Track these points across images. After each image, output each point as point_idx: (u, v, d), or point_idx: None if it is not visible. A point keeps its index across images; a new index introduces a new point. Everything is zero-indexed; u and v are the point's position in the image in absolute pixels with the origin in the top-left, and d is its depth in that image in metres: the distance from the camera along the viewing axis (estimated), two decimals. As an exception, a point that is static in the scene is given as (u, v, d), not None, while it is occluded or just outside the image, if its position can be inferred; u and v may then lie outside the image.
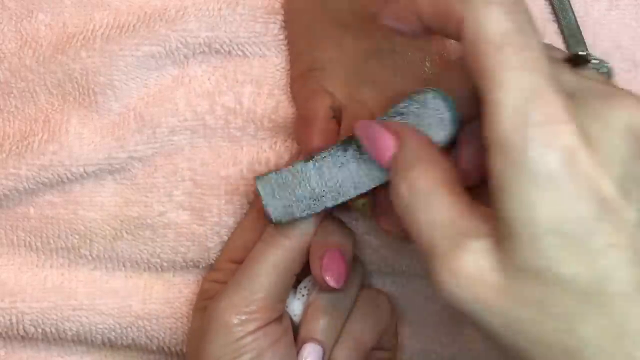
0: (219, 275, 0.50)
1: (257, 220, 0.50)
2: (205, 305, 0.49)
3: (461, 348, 0.52)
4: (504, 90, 0.35)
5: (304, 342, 0.48)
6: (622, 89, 0.38)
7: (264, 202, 0.46)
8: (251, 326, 0.46)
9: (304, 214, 0.46)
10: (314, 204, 0.46)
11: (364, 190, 0.45)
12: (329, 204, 0.46)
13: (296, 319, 0.49)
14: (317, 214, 0.47)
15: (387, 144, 0.41)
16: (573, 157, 0.34)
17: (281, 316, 0.48)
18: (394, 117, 0.44)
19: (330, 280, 0.47)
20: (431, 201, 0.38)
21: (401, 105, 0.44)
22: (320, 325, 0.48)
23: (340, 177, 0.45)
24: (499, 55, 0.35)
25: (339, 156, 0.45)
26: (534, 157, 0.34)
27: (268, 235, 0.48)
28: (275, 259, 0.47)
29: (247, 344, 0.46)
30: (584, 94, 0.36)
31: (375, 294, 0.51)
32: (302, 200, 0.46)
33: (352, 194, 0.45)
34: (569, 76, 0.38)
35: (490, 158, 0.36)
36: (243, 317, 0.46)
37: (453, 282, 0.36)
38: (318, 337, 0.48)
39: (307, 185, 0.46)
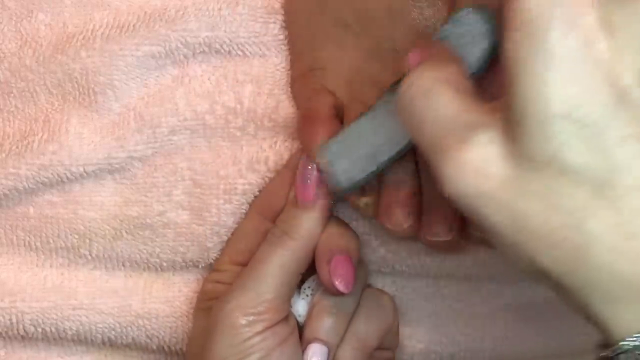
0: (222, 277, 0.50)
1: (259, 223, 0.50)
2: (208, 305, 0.49)
3: (461, 348, 0.52)
4: None
5: (309, 342, 0.48)
6: None
7: (332, 171, 0.46)
8: (259, 326, 0.47)
9: (363, 175, 0.46)
10: (369, 163, 0.46)
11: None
12: (384, 158, 0.45)
13: (300, 319, 0.49)
14: (367, 178, 0.46)
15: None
16: (592, 41, 0.33)
17: (287, 316, 0.48)
18: (439, 40, 0.43)
19: (340, 285, 0.47)
20: (435, 97, 0.37)
21: (444, 27, 0.43)
22: (325, 325, 0.48)
23: (393, 125, 0.45)
24: None
25: (390, 102, 0.45)
26: (554, 36, 0.33)
27: (273, 236, 0.48)
28: (281, 260, 0.47)
29: (254, 344, 0.46)
30: None
31: (378, 293, 0.51)
32: (359, 161, 0.46)
33: (403, 143, 0.45)
34: None
35: (509, 38, 0.34)
36: (251, 318, 0.47)
37: (459, 176, 0.35)
38: (323, 337, 0.48)
39: (365, 141, 0.46)
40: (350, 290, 0.47)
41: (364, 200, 0.48)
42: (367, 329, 0.49)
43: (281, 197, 0.49)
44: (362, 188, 0.48)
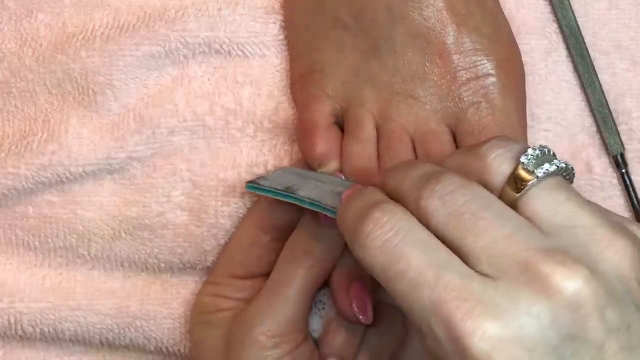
0: (220, 290, 0.50)
1: (257, 237, 0.50)
2: (208, 319, 0.49)
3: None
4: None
5: (325, 357, 0.49)
6: None
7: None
8: (287, 348, 0.47)
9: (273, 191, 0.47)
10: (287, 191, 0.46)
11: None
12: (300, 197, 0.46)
13: (315, 334, 0.50)
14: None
15: None
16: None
17: (308, 334, 0.49)
18: None
19: (363, 318, 0.48)
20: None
21: None
22: (340, 341, 0.49)
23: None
24: None
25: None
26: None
27: (294, 256, 0.48)
28: (304, 282, 0.47)
29: None
30: None
31: (390, 309, 0.51)
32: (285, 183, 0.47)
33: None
34: None
35: None
36: (278, 340, 0.47)
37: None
38: (339, 353, 0.49)
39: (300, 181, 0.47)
40: (369, 319, 0.48)
41: None
42: (379, 343, 0.50)
43: (281, 212, 0.49)
44: None
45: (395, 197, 0.39)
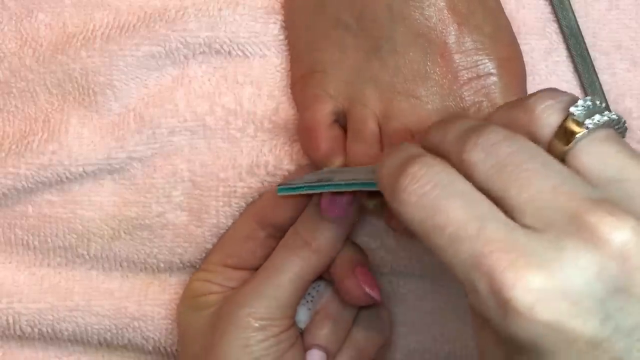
0: (211, 277, 0.50)
1: (254, 230, 0.50)
2: (196, 303, 0.49)
3: (457, 347, 0.52)
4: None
5: (309, 347, 0.49)
6: None
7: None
8: (272, 331, 0.47)
9: (307, 186, 0.47)
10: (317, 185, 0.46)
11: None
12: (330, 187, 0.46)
13: (301, 325, 0.50)
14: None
15: None
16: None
17: (294, 323, 0.49)
18: None
19: (373, 294, 0.48)
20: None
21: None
22: (325, 332, 0.49)
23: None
24: None
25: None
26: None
27: (293, 244, 0.48)
28: (300, 270, 0.48)
29: (266, 348, 0.47)
30: None
31: (377, 307, 0.51)
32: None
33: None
34: None
35: None
36: (264, 323, 0.47)
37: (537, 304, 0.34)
38: (322, 344, 0.49)
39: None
40: (379, 296, 0.48)
41: (373, 202, 0.48)
42: (365, 339, 0.50)
43: (281, 211, 0.49)
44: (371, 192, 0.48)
45: (438, 152, 0.38)
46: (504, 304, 0.33)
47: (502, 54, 0.47)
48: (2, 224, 0.53)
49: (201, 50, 0.51)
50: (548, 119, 0.37)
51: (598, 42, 0.51)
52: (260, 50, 0.51)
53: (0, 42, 0.53)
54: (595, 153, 0.36)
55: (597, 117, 0.36)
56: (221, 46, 0.51)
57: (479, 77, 0.47)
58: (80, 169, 0.51)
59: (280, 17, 0.51)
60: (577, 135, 0.36)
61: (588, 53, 0.50)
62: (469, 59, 0.47)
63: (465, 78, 0.47)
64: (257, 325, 0.47)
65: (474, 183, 0.36)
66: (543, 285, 0.33)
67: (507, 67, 0.47)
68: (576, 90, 0.51)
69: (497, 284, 0.33)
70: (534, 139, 0.37)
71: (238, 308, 0.47)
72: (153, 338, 0.53)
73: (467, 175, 0.36)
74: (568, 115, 0.37)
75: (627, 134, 0.50)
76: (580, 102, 0.37)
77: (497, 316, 0.34)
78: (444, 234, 0.35)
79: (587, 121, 0.36)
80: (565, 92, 0.38)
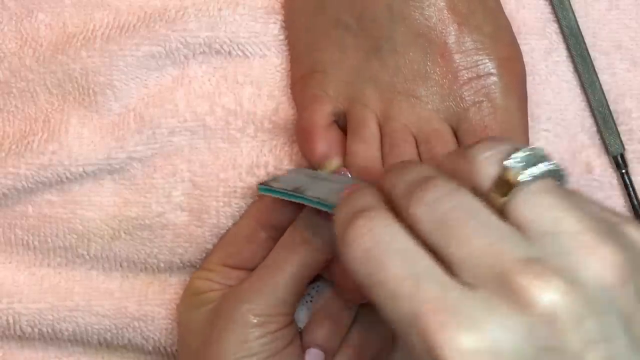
0: (212, 275, 0.50)
1: (255, 231, 0.50)
2: (197, 300, 0.49)
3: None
4: None
5: (307, 346, 0.49)
6: None
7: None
8: (269, 328, 0.47)
9: (283, 192, 0.47)
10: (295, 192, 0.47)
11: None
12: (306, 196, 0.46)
13: (300, 324, 0.50)
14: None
15: None
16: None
17: (292, 321, 0.49)
18: None
19: None
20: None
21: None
22: (324, 332, 0.49)
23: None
24: None
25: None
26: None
27: (292, 242, 0.48)
28: (299, 268, 0.48)
29: (263, 344, 0.47)
30: None
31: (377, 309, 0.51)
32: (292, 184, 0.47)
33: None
34: None
35: None
36: (262, 319, 0.47)
37: None
38: (321, 343, 0.49)
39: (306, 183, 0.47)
40: None
41: None
42: (364, 339, 0.50)
43: (282, 212, 0.49)
44: None
45: (390, 200, 0.39)
46: None
47: (502, 53, 0.47)
48: (2, 224, 0.53)
49: (201, 50, 0.51)
50: (487, 170, 0.37)
51: (598, 42, 0.51)
52: (260, 50, 0.51)
53: (0, 42, 0.53)
54: (531, 206, 0.36)
55: (533, 168, 0.36)
56: (221, 46, 0.51)
57: (479, 77, 0.47)
58: (80, 169, 0.51)
59: (280, 17, 0.51)
60: (513, 188, 0.36)
61: (588, 53, 0.50)
62: (469, 58, 0.47)
63: (465, 78, 0.47)
64: (255, 321, 0.47)
65: (419, 237, 0.36)
66: (473, 347, 0.33)
67: (507, 67, 0.47)
68: (576, 90, 0.51)
69: (430, 344, 0.34)
70: (477, 189, 0.37)
71: (237, 304, 0.47)
72: (153, 338, 0.53)
73: (413, 229, 0.37)
74: (505, 167, 0.36)
75: (628, 134, 0.51)
76: (518, 154, 0.36)
77: None
78: (384, 291, 0.35)
79: (524, 173, 0.36)
80: (506, 141, 0.38)
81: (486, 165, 0.37)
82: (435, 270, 0.35)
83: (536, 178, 0.36)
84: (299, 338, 0.49)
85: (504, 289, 0.34)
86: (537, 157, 0.37)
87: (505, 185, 0.36)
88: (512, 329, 0.33)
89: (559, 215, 0.35)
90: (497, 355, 0.33)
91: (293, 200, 0.47)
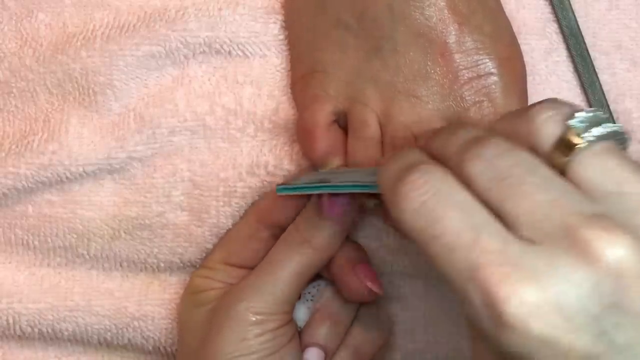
0: (212, 274, 0.50)
1: (256, 229, 0.50)
2: (198, 298, 0.50)
3: (457, 347, 0.52)
4: None
5: (307, 346, 0.49)
6: None
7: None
8: (268, 326, 0.47)
9: (307, 187, 0.47)
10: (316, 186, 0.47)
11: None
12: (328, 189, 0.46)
13: (300, 323, 0.50)
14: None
15: None
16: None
17: (291, 320, 0.49)
18: None
19: (374, 287, 0.48)
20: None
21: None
22: (323, 331, 0.49)
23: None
24: None
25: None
26: None
27: (293, 241, 0.48)
28: (299, 267, 0.48)
29: (262, 342, 0.47)
30: None
31: (377, 308, 0.51)
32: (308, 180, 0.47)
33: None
34: None
35: None
36: (261, 317, 0.47)
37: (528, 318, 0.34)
38: (321, 342, 0.49)
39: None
40: (382, 289, 0.48)
41: (373, 202, 0.48)
42: (364, 339, 0.50)
43: (284, 211, 0.49)
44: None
45: (440, 159, 0.38)
46: (498, 317, 0.33)
47: (502, 53, 0.47)
48: (2, 224, 0.53)
49: (201, 50, 0.51)
50: (548, 130, 0.37)
51: (598, 42, 0.51)
52: (260, 50, 0.51)
53: (0, 42, 0.53)
54: (594, 166, 0.36)
55: (597, 129, 0.36)
56: (221, 46, 0.51)
57: (479, 76, 0.47)
58: (80, 169, 0.51)
59: (280, 17, 0.51)
60: (576, 148, 0.36)
61: (588, 53, 0.50)
62: (469, 58, 0.47)
63: (465, 78, 0.47)
64: (254, 319, 0.47)
65: (474, 193, 0.36)
66: (536, 300, 0.33)
67: (507, 67, 0.47)
68: (576, 90, 0.51)
69: (491, 297, 0.33)
70: (536, 150, 0.37)
71: (236, 302, 0.47)
72: (153, 338, 0.53)
73: (468, 185, 0.36)
74: (568, 127, 0.36)
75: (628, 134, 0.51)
76: (581, 114, 0.36)
77: (490, 328, 0.33)
78: (441, 244, 0.35)
79: (587, 133, 0.36)
80: (567, 103, 0.38)
81: (548, 124, 0.37)
82: (494, 224, 0.35)
83: (600, 139, 0.36)
84: (297, 338, 0.49)
85: (568, 243, 0.33)
86: (600, 119, 0.36)
87: (566, 145, 0.36)
88: (577, 283, 0.33)
89: (623, 176, 0.35)
90: (561, 310, 0.33)
91: (321, 192, 0.46)
